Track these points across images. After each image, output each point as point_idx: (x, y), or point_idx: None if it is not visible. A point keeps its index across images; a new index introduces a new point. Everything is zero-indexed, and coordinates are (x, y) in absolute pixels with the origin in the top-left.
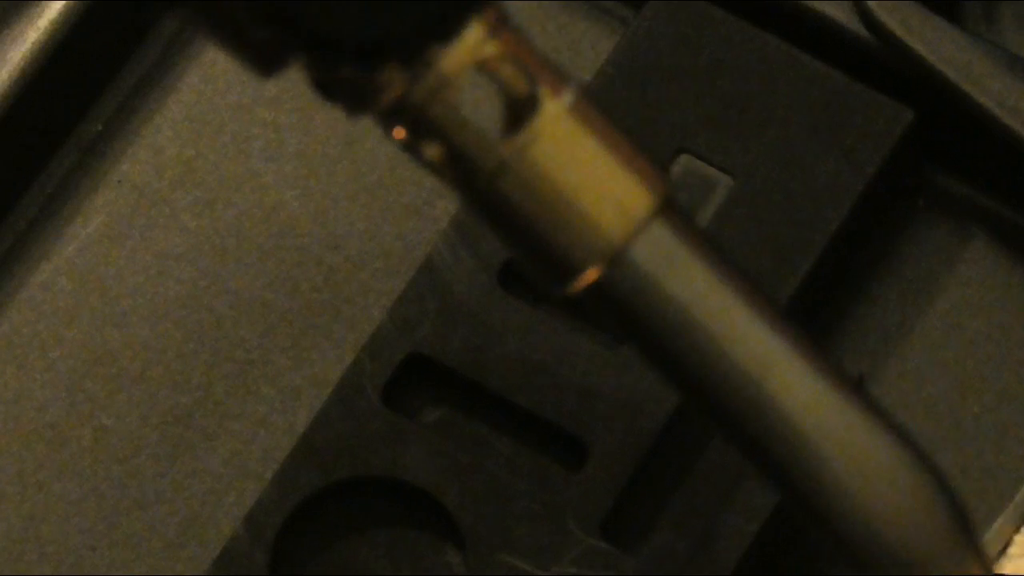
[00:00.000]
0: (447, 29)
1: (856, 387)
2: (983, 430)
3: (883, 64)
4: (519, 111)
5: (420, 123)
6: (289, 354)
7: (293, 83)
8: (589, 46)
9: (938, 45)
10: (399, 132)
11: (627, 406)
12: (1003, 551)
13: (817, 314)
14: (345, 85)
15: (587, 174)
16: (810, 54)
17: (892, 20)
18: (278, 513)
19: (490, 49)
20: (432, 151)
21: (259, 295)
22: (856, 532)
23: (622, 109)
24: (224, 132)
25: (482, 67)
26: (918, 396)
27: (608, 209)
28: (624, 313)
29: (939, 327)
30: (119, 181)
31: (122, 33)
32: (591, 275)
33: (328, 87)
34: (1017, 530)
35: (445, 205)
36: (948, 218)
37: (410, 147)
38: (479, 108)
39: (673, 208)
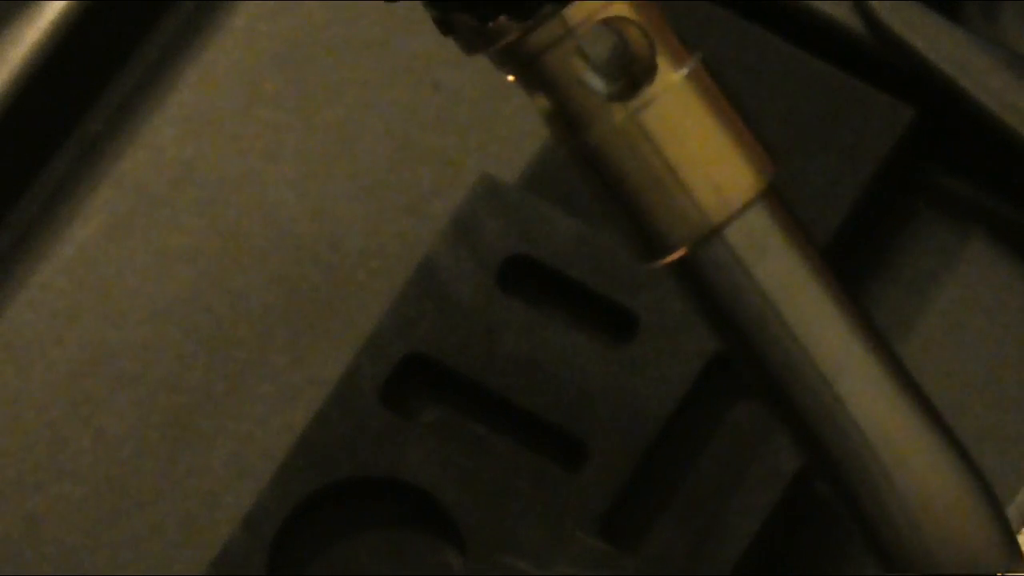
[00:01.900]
0: None
1: (930, 407)
2: (983, 430)
3: (883, 62)
4: (636, 75)
5: (534, 71)
6: (288, 354)
7: (293, 83)
8: None
9: (938, 43)
10: (512, 77)
11: (627, 406)
12: None
13: None
14: (462, 26)
15: (694, 148)
16: (810, 53)
17: (893, 19)
18: (277, 513)
19: (617, 8)
20: (541, 101)
21: (259, 295)
22: (908, 552)
23: None
24: (224, 132)
25: (606, 25)
26: None
27: (710, 186)
28: (707, 293)
29: (939, 327)
30: (119, 181)
31: (122, 33)
32: (681, 250)
33: (446, 24)
34: (1017, 530)
35: (444, 205)
36: (948, 218)
37: (523, 88)
38: (596, 65)
39: (775, 195)
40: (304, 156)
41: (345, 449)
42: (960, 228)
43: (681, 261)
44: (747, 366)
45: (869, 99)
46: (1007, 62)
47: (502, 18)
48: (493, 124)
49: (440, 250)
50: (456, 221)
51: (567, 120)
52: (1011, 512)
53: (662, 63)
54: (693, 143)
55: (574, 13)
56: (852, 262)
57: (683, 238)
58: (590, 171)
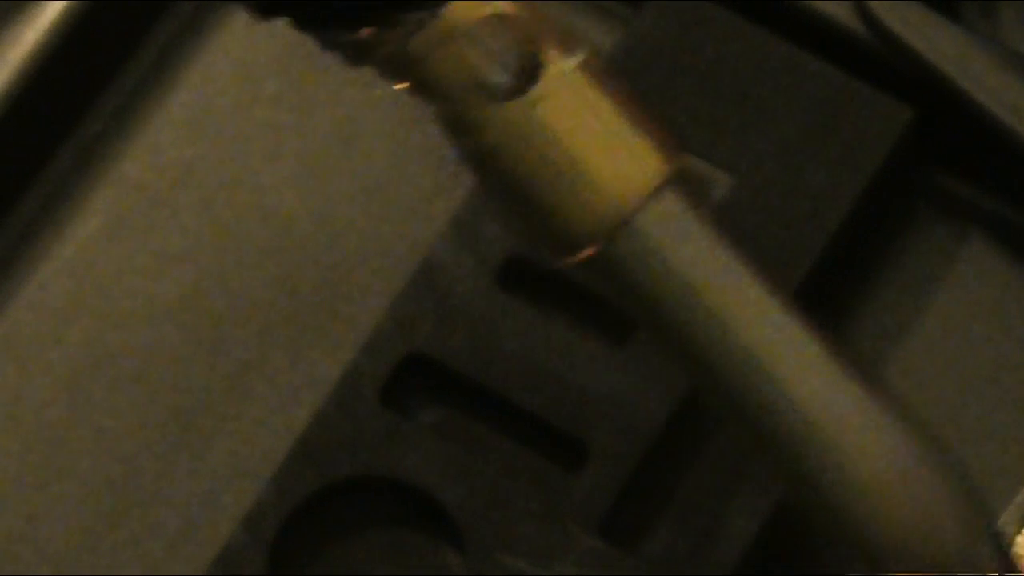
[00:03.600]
0: None
1: (871, 375)
2: (983, 430)
3: (883, 63)
4: (525, 71)
5: (421, 77)
6: (288, 354)
7: (293, 83)
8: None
9: (938, 43)
10: (402, 85)
11: (627, 406)
12: None
13: (817, 314)
14: (338, 41)
15: (595, 139)
16: (810, 53)
17: (892, 18)
18: (277, 514)
19: (497, 4)
20: (434, 107)
21: (258, 295)
22: (866, 528)
23: None
24: (224, 132)
25: (489, 22)
26: (918, 396)
27: (616, 177)
28: (628, 285)
29: (939, 327)
30: (119, 181)
31: (122, 33)
32: (595, 245)
33: (324, 41)
34: (1018, 530)
35: (445, 205)
36: (948, 218)
37: (416, 95)
38: (485, 64)
39: (684, 180)
40: (304, 156)
41: (345, 449)
42: (960, 228)
43: (597, 256)
44: (678, 355)
45: (869, 99)
46: (1007, 62)
47: (373, 33)
48: None
49: (440, 250)
50: (456, 221)
51: (462, 124)
52: (1011, 512)
53: (551, 56)
54: (592, 134)
55: (453, 13)
56: (852, 262)
57: (595, 233)
58: (492, 174)
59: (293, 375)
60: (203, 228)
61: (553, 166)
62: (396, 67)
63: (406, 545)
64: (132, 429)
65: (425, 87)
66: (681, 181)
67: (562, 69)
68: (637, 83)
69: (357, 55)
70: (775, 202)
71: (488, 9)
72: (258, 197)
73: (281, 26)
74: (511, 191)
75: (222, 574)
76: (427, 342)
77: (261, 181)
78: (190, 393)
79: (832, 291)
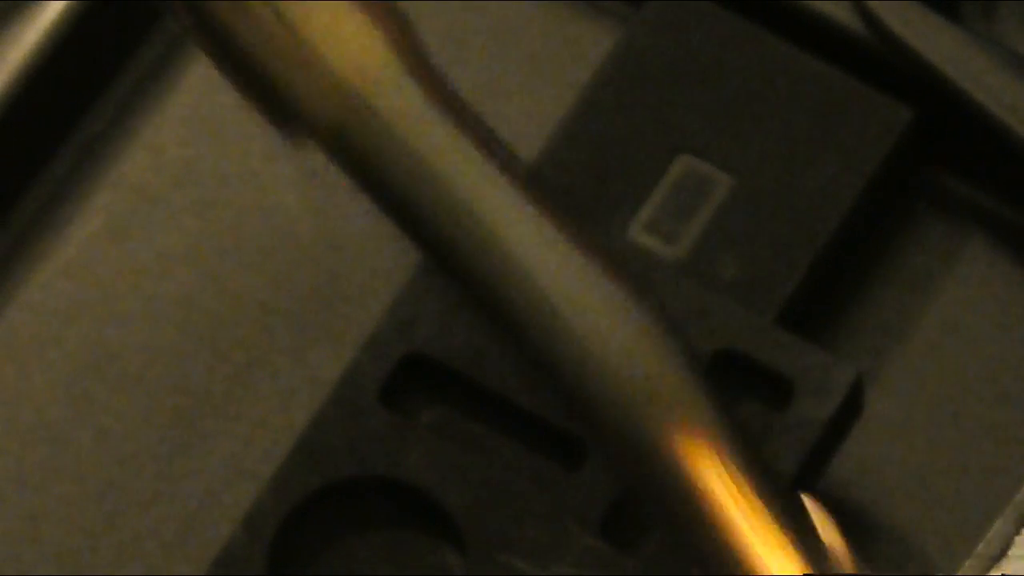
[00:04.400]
0: None
1: (601, 248)
2: (983, 430)
3: (883, 62)
4: None
5: None
6: (288, 354)
7: None
8: (589, 46)
9: (938, 43)
10: None
11: None
12: (1003, 551)
13: (816, 313)
14: None
15: (325, 13)
16: (810, 53)
17: (892, 18)
18: (276, 514)
19: None
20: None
21: (259, 295)
22: (583, 383)
23: (622, 109)
24: (224, 132)
25: None
26: (918, 396)
27: (344, 53)
28: (359, 165)
29: (939, 327)
30: (119, 181)
31: (122, 33)
32: (327, 123)
33: None
34: (1017, 530)
35: None
36: (948, 218)
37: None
38: None
39: (417, 52)
40: (304, 156)
41: (345, 449)
42: (960, 228)
43: (332, 138)
44: (410, 235)
45: (869, 99)
46: (1007, 62)
47: None
48: (492, 124)
49: None
50: None
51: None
52: (1011, 511)
53: None
54: (324, 8)
55: None
56: (852, 262)
57: (325, 109)
58: (222, 50)
59: (293, 375)
60: (203, 228)
61: (281, 43)
62: None
63: (406, 545)
64: (132, 429)
65: None
66: (411, 54)
67: None
68: (637, 84)
69: None
70: (775, 202)
71: None
72: (258, 197)
73: None
74: (239, 69)
75: (222, 574)
76: (427, 342)
77: (261, 181)
78: (190, 393)
79: (832, 291)
